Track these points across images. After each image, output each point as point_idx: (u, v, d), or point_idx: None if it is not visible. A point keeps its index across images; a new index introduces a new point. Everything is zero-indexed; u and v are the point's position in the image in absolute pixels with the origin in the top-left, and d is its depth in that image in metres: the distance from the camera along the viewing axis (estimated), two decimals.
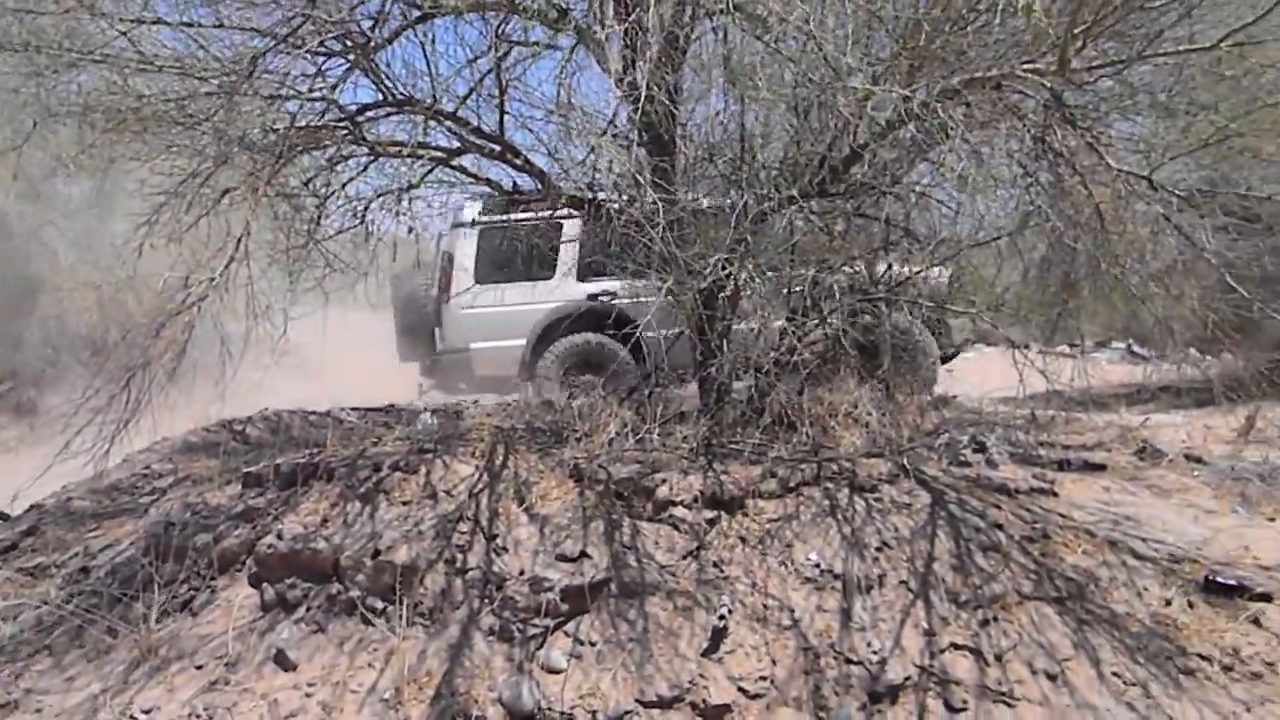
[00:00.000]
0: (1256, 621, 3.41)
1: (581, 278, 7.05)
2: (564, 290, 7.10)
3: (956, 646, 3.31)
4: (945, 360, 8.34)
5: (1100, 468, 4.52)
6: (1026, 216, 3.99)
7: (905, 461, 4.03)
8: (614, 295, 6.81)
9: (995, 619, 3.39)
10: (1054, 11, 3.50)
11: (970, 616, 3.39)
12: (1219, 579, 3.54)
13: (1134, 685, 3.20)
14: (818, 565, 3.54)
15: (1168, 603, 3.48)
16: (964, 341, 8.32)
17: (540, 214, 5.96)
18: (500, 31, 4.28)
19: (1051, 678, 3.22)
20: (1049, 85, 3.51)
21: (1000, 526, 3.74)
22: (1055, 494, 4.07)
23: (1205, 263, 3.54)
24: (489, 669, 3.36)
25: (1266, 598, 3.49)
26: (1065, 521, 3.84)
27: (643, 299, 6.70)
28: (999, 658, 3.28)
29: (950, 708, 3.16)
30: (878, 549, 3.61)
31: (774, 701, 3.20)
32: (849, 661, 3.26)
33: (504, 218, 6.64)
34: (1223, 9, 3.58)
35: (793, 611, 3.42)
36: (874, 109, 3.88)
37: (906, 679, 3.22)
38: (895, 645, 3.30)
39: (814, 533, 3.68)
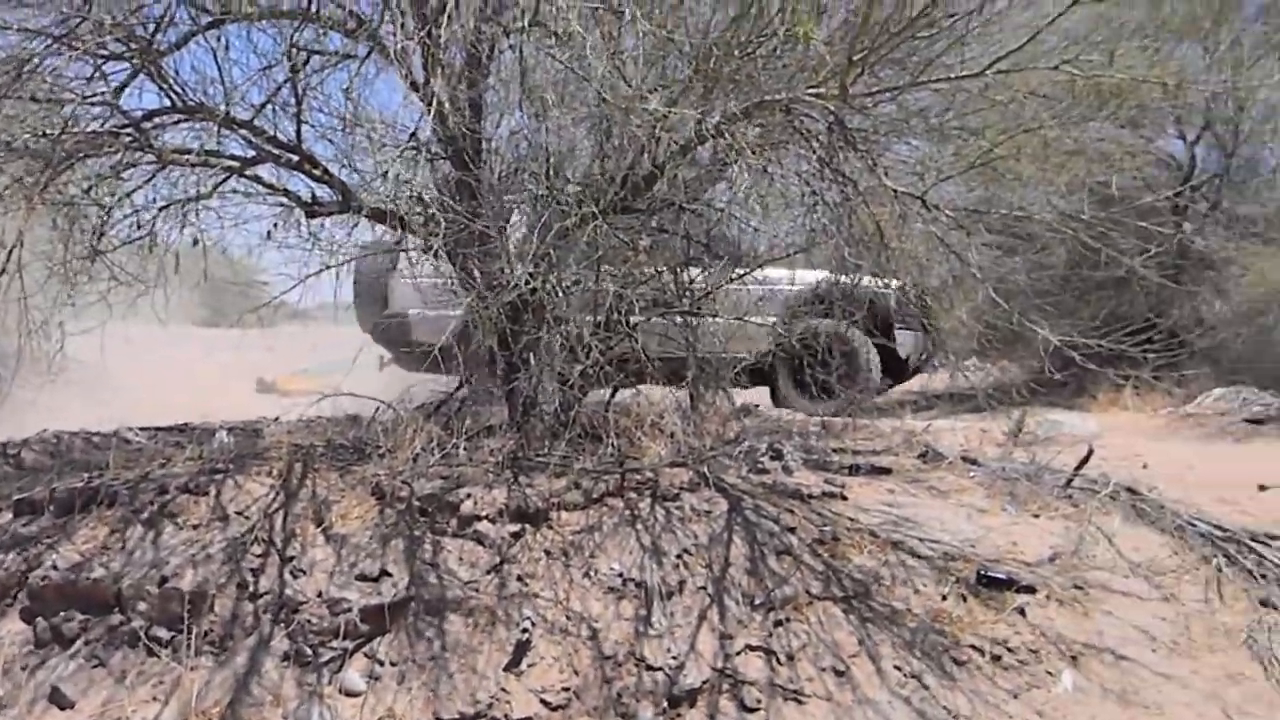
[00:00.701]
0: (1022, 612, 3.68)
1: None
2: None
3: (750, 648, 3.43)
4: (902, 376, 8.55)
5: (886, 471, 4.79)
6: (812, 234, 4.19)
7: (706, 470, 4.15)
8: None
9: (787, 620, 3.53)
10: (835, 39, 3.72)
11: (764, 618, 3.52)
12: (989, 574, 3.81)
13: (911, 678, 3.40)
14: (619, 575, 3.61)
15: (943, 598, 3.72)
16: (921, 355, 8.32)
17: None
18: (295, 40, 4.18)
19: (838, 674, 3.38)
20: (832, 109, 3.70)
21: (793, 530, 3.91)
22: (844, 498, 4.28)
23: (974, 278, 3.81)
24: (281, 696, 3.25)
25: (1030, 590, 3.78)
26: (853, 524, 4.05)
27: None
28: (790, 657, 3.42)
29: (744, 708, 3.28)
30: (677, 556, 3.71)
31: (575, 712, 3.24)
32: (648, 668, 3.34)
33: None
34: (993, 37, 3.86)
35: (594, 622, 3.46)
36: (671, 129, 4.00)
37: (703, 682, 3.32)
38: (691, 650, 3.40)
39: (616, 543, 3.75)
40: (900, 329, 8.12)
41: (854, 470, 4.75)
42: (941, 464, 5.05)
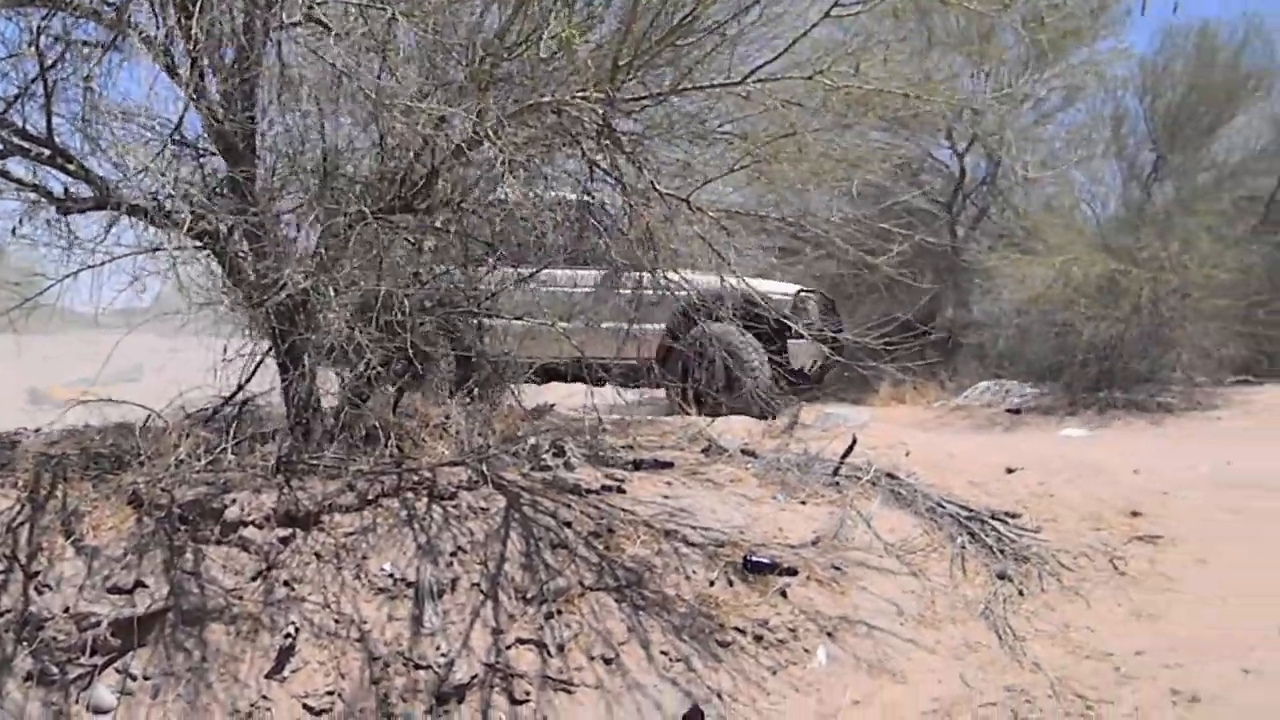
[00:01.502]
0: (784, 594, 3.88)
1: None
2: None
3: (522, 641, 3.48)
4: (801, 381, 7.97)
5: (669, 465, 4.94)
6: (584, 231, 4.29)
7: (484, 468, 4.17)
8: None
9: (560, 612, 3.60)
10: (605, 46, 3.83)
11: (536, 612, 3.57)
12: (755, 559, 4.00)
13: (678, 661, 3.53)
14: (391, 575, 3.59)
15: (711, 583, 3.87)
16: (815, 364, 7.97)
17: None
18: (41, 28, 3.94)
19: (607, 662, 3.48)
20: (600, 112, 3.81)
21: (569, 524, 3.98)
22: (623, 491, 4.39)
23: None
24: (26, 717, 3.08)
25: (793, 572, 3.99)
26: (629, 516, 4.16)
27: None
28: (561, 648, 3.49)
29: (514, 701, 3.32)
30: (452, 554, 3.72)
31: (341, 715, 3.20)
32: (417, 667, 3.33)
33: None
34: (755, 44, 4.05)
35: (364, 624, 3.43)
36: (445, 130, 4.00)
37: (473, 678, 3.35)
38: (464, 646, 3.42)
39: (390, 543, 3.72)
40: (794, 337, 7.78)
41: (637, 465, 4.88)
42: (721, 457, 5.25)
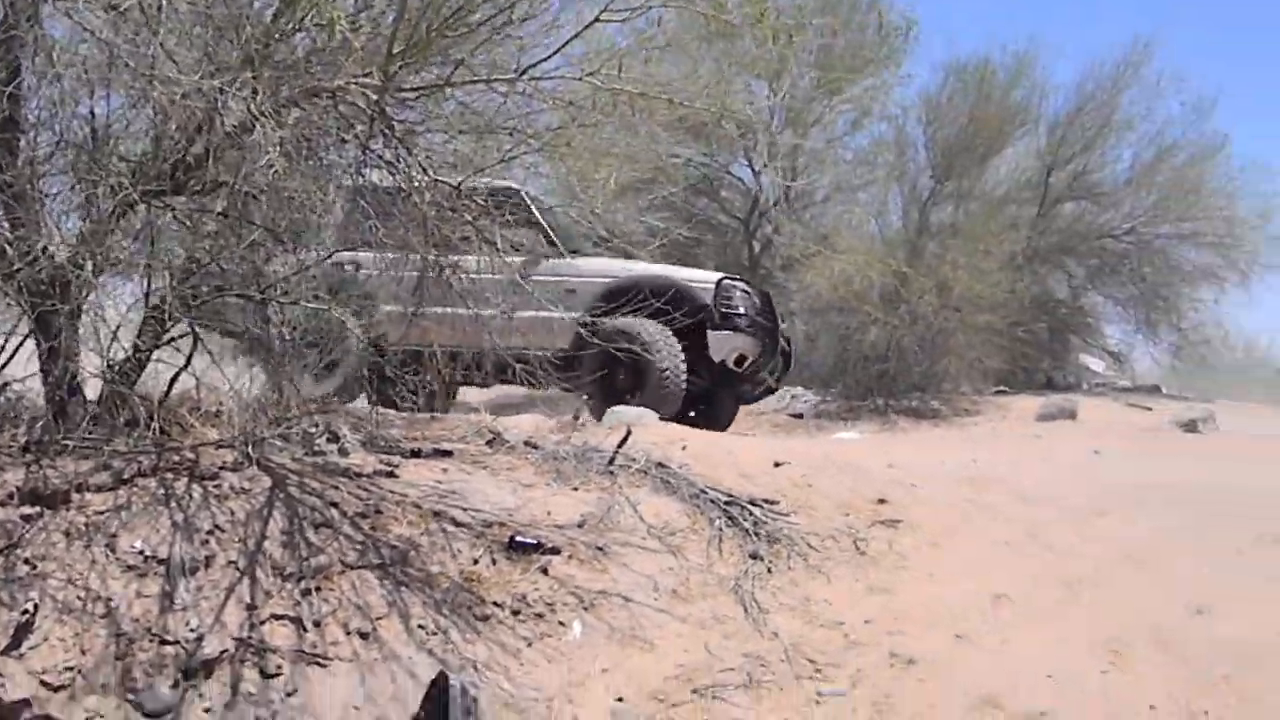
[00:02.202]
0: (545, 571, 4.04)
1: None
2: None
3: (277, 617, 3.50)
4: (726, 378, 7.44)
5: (448, 454, 5.04)
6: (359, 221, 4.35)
7: (251, 450, 4.16)
8: None
9: (318, 589, 3.64)
10: (378, 33, 3.92)
11: (294, 588, 3.61)
12: (519, 538, 4.15)
13: (437, 633, 3.64)
14: (142, 553, 3.54)
15: (475, 561, 4.00)
16: (741, 358, 7.35)
17: None
18: None
19: (364, 636, 3.55)
20: (374, 99, 3.89)
21: (336, 505, 4.03)
22: (395, 475, 4.46)
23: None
24: None
25: (555, 551, 4.16)
26: (399, 498, 4.24)
27: None
28: (317, 624, 3.53)
29: (265, 674, 3.35)
30: (209, 532, 3.70)
31: (80, 690, 3.15)
32: (164, 642, 3.31)
33: None
34: (534, 42, 4.21)
35: (110, 600, 3.38)
36: (223, 112, 3.99)
37: (223, 652, 3.35)
38: (216, 622, 3.41)
39: (143, 522, 3.67)
40: (716, 328, 7.27)
41: (416, 453, 4.95)
42: (503, 449, 5.38)
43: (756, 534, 4.69)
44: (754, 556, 4.52)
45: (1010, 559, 4.64)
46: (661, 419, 6.57)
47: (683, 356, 7.07)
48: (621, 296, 6.89)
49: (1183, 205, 12.00)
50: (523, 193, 7.18)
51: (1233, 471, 7.02)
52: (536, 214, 7.20)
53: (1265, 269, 12.13)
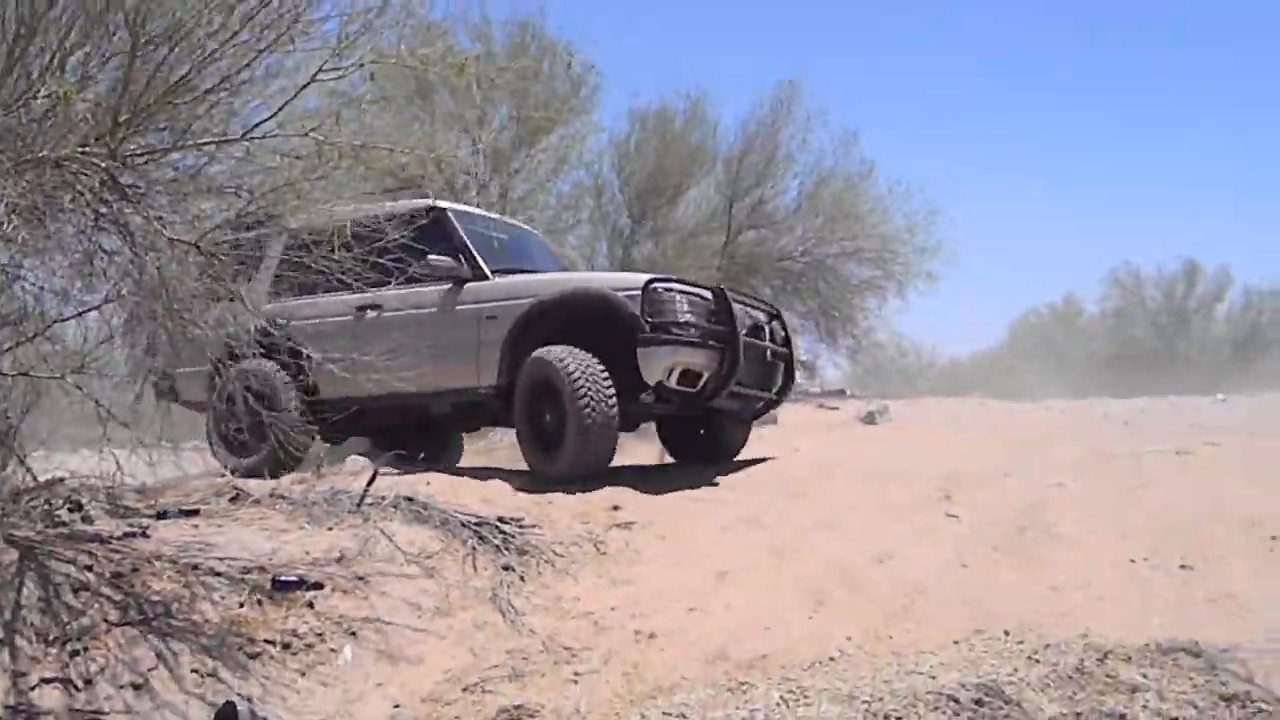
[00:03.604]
0: (311, 605, 4.25)
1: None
2: None
3: (46, 681, 3.52)
4: (670, 400, 6.34)
5: (195, 512, 5.10)
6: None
7: None
8: None
9: (85, 649, 3.68)
10: (102, 102, 4.04)
11: (60, 651, 3.63)
12: (282, 578, 4.33)
13: (208, 676, 3.77)
14: None
15: (240, 605, 4.15)
16: (681, 376, 6.21)
17: None
18: None
19: (136, 688, 3.62)
20: (104, 167, 4.00)
21: (90, 568, 4.05)
22: (147, 536, 4.51)
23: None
24: None
25: (319, 586, 4.37)
26: (154, 556, 4.30)
27: None
28: (88, 682, 3.58)
29: None
30: None
31: None
32: None
33: None
34: (254, 103, 4.45)
35: None
36: None
37: None
38: None
39: None
40: (645, 343, 6.10)
41: (161, 515, 4.98)
42: (247, 503, 5.48)
43: (507, 548, 5.09)
44: (506, 568, 4.92)
45: (729, 540, 5.31)
46: (587, 468, 6.16)
47: (606, 383, 6.06)
48: (548, 317, 6.38)
49: (844, 227, 13.64)
50: (448, 212, 6.99)
51: (901, 452, 8.23)
52: (460, 232, 6.86)
53: (915, 277, 13.96)
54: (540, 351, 6.23)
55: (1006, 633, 3.90)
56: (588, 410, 6.01)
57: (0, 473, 4.97)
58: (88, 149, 3.91)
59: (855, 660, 3.82)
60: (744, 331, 6.37)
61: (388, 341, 6.07)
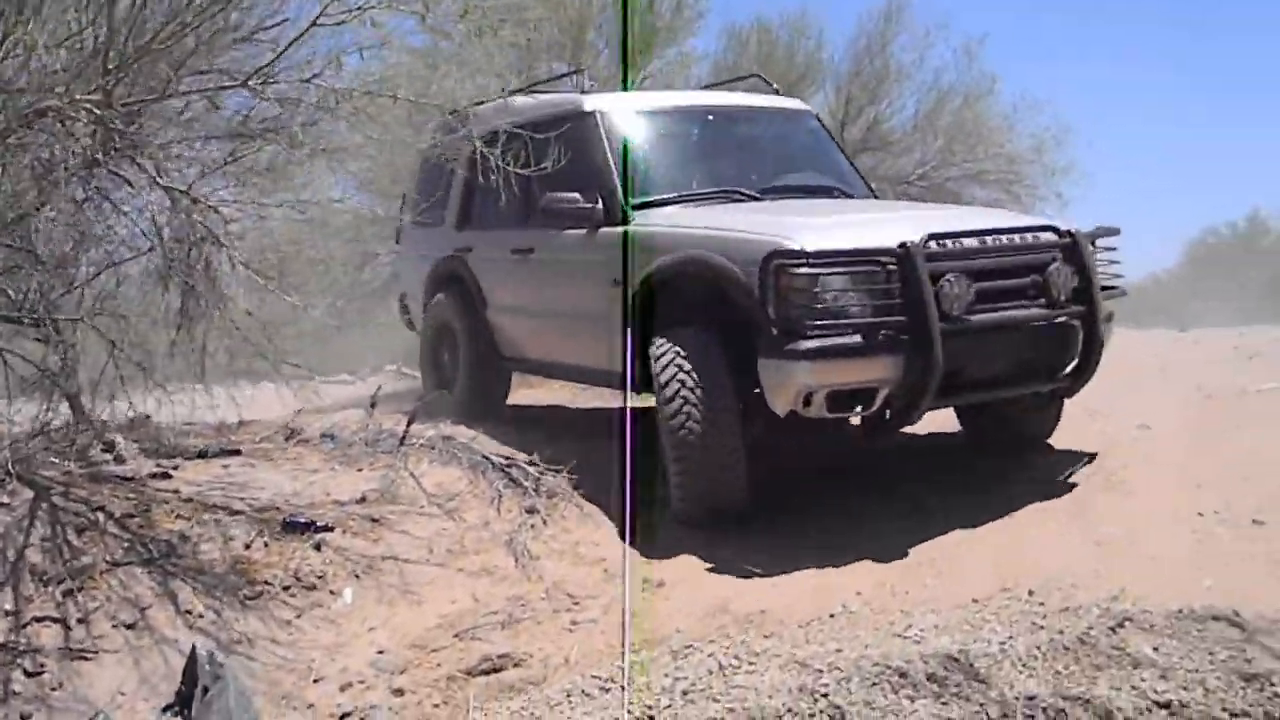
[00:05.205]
0: (318, 547, 4.25)
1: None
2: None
3: (39, 619, 3.63)
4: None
5: (236, 452, 5.18)
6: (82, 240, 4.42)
7: (13, 466, 4.23)
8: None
9: (82, 588, 3.77)
10: (96, 51, 4.03)
11: (56, 590, 3.73)
12: (293, 519, 4.35)
13: (209, 613, 3.82)
14: None
15: (248, 546, 4.18)
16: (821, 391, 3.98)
17: None
18: None
19: (130, 626, 3.70)
20: (99, 113, 4.00)
21: (102, 509, 4.15)
22: (170, 476, 4.60)
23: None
24: None
25: (328, 528, 4.37)
26: (171, 497, 4.39)
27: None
28: (82, 620, 3.66)
29: (28, 673, 3.46)
30: None
31: None
32: None
33: None
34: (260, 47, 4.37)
35: None
36: None
37: None
38: None
39: None
40: (768, 353, 4.04)
41: (202, 454, 5.08)
42: (297, 440, 5.55)
43: (536, 491, 4.98)
44: (531, 510, 4.81)
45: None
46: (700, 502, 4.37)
47: (717, 391, 4.22)
48: (667, 290, 4.51)
49: (965, 147, 12.74)
50: (595, 115, 5.32)
51: None
52: (604, 149, 5.16)
53: (1041, 200, 12.97)
54: (658, 337, 4.42)
55: (1031, 592, 3.54)
56: (681, 427, 4.25)
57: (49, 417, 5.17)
58: (80, 98, 3.91)
59: (857, 618, 3.54)
60: (972, 299, 4.05)
61: (540, 298, 5.66)
